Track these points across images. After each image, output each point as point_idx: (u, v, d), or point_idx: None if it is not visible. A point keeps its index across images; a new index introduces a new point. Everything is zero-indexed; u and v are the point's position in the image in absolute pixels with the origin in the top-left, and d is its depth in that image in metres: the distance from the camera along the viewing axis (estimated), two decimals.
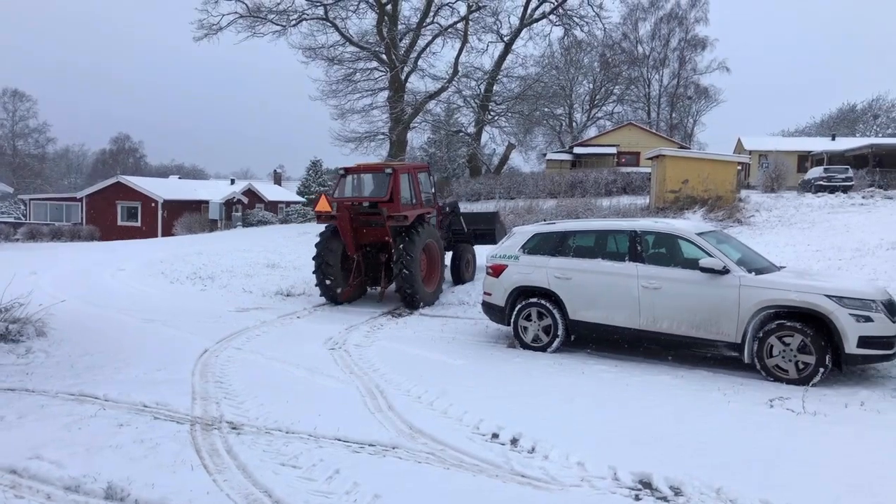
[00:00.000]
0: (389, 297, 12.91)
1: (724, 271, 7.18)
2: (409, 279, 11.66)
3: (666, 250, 7.96)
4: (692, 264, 7.44)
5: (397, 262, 11.73)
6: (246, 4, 33.28)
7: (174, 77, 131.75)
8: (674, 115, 62.17)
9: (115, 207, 40.45)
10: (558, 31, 39.81)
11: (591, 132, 54.12)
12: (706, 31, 59.97)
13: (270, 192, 51.93)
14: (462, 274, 14.31)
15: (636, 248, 7.87)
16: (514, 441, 5.12)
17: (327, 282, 12.33)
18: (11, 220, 42.72)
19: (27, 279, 13.94)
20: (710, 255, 7.32)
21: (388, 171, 12.45)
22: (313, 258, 12.52)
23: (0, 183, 38.02)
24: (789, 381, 6.64)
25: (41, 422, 5.21)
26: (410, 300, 11.86)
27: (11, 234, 34.97)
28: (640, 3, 56.76)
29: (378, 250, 13.12)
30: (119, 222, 40.20)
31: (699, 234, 7.69)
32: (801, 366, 6.65)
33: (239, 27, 33.66)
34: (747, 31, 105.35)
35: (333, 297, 12.42)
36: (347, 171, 12.99)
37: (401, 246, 11.75)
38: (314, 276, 12.57)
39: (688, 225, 8.29)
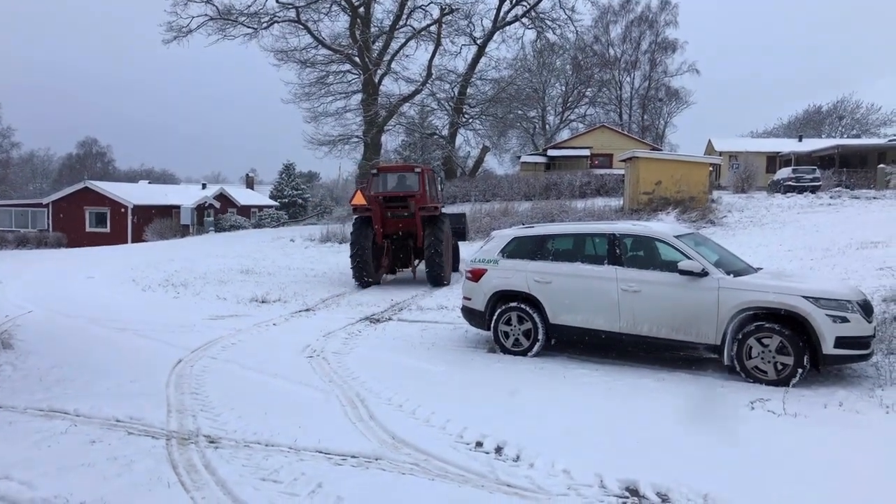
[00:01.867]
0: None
1: (703, 274, 7.22)
2: (440, 260, 14.34)
3: (644, 253, 7.98)
4: (671, 267, 7.47)
5: (429, 246, 14.29)
6: (216, 7, 32.89)
7: (143, 80, 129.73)
8: (645, 116, 62.86)
9: (83, 213, 39.61)
10: (531, 34, 39.81)
11: (565, 134, 54.46)
12: (676, 34, 60.72)
13: (243, 196, 51.33)
14: (455, 263, 16.60)
15: (615, 251, 7.87)
16: (498, 449, 5.07)
17: (363, 266, 14.47)
18: None
19: None
20: (689, 258, 7.35)
21: (418, 170, 15.20)
22: (351, 245, 14.59)
23: None
24: (768, 383, 6.68)
25: (9, 440, 5.02)
26: (438, 278, 14.50)
27: None
28: (611, 6, 57.38)
29: (404, 238, 15.21)
30: (87, 228, 39.37)
31: (677, 237, 7.72)
32: (779, 367, 6.70)
33: (209, 29, 33.27)
34: (716, 34, 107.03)
35: (366, 280, 14.66)
36: (380, 170, 15.41)
37: (431, 232, 14.39)
38: (350, 260, 14.63)
39: (666, 227, 8.32)
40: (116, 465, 4.59)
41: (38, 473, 4.40)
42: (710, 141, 45.52)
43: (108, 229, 39.26)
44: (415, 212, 14.54)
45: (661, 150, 45.37)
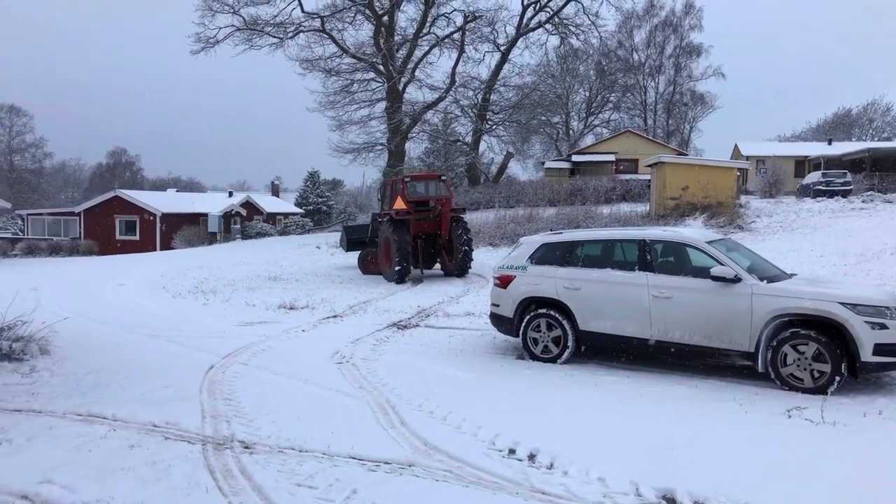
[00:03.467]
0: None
1: (736, 280, 7.12)
2: (469, 254, 17.03)
3: (675, 259, 7.90)
4: (703, 273, 7.39)
5: (462, 242, 16.82)
6: (243, 17, 33.37)
7: (170, 90, 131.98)
8: (670, 121, 62.39)
9: (113, 221, 40.35)
10: (554, 40, 39.84)
11: (589, 140, 54.25)
12: (701, 38, 60.20)
13: (268, 203, 51.84)
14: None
15: (646, 257, 7.81)
16: (531, 457, 5.04)
17: (406, 264, 16.39)
18: (9, 235, 42.57)
19: (28, 295, 13.86)
20: (721, 264, 7.27)
21: (443, 177, 18.13)
22: (395, 245, 16.19)
23: None
24: (805, 391, 6.56)
25: (50, 444, 5.12)
26: (466, 270, 17.08)
27: (9, 250, 34.84)
28: (634, 11, 57.02)
29: (429, 238, 17.45)
30: (117, 236, 40.10)
31: (709, 243, 7.64)
32: (816, 374, 6.58)
33: (236, 40, 33.78)
34: (741, 37, 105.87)
35: (405, 277, 16.59)
36: (413, 178, 17.80)
37: (462, 231, 16.89)
38: (395, 258, 16.28)
39: (697, 233, 8.24)
40: (155, 470, 4.65)
41: (79, 477, 4.48)
42: (736, 145, 45.01)
43: (137, 237, 39.94)
44: (442, 214, 17.04)
45: (686, 154, 44.95)
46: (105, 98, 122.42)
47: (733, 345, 7.13)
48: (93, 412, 5.95)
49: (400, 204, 16.56)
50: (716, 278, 7.20)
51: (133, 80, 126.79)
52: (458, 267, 17.05)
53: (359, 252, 19.59)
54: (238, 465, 4.82)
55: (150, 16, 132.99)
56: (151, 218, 39.90)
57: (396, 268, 16.42)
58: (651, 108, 62.01)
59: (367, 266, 19.02)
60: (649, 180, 27.27)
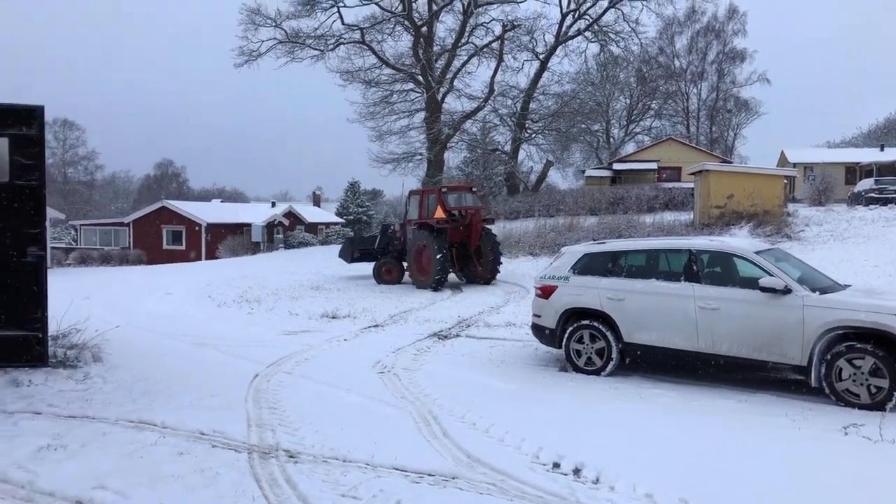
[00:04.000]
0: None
1: (786, 291, 6.93)
2: (498, 262, 18.17)
3: (722, 269, 7.73)
4: (751, 284, 7.21)
5: (494, 250, 17.96)
6: (285, 31, 34.06)
7: (214, 103, 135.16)
8: (714, 128, 61.25)
9: (160, 231, 41.43)
10: (594, 48, 39.69)
11: (630, 148, 53.66)
12: (745, 44, 59.17)
13: (310, 213, 52.60)
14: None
15: (692, 267, 7.66)
16: (576, 471, 4.97)
17: (446, 271, 17.16)
18: (63, 245, 44.05)
19: (82, 304, 14.29)
20: (770, 274, 7.08)
21: (475, 189, 19.33)
22: (436, 253, 16.82)
23: (52, 209, 39.29)
24: (861, 407, 6.33)
25: (103, 450, 5.24)
26: (494, 277, 18.15)
27: (63, 260, 36.04)
28: (676, 17, 56.24)
29: (460, 246, 18.05)
30: (164, 246, 41.13)
31: (757, 253, 7.46)
32: (873, 390, 6.34)
33: (278, 52, 34.49)
34: (787, 41, 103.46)
35: (443, 284, 17.37)
36: (449, 189, 18.68)
37: (491, 240, 18.00)
38: (436, 266, 16.88)
39: (745, 243, 8.06)
40: (203, 478, 4.73)
41: (131, 483, 4.57)
42: (782, 152, 43.89)
43: (183, 246, 40.90)
44: (473, 223, 17.76)
45: (731, 162, 44.04)
46: (153, 111, 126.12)
47: (784, 358, 6.93)
48: (143, 419, 6.08)
49: (440, 213, 17.16)
50: (765, 289, 7.02)
51: (179, 93, 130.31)
52: (489, 274, 17.99)
53: (372, 263, 19.99)
54: (283, 475, 4.86)
55: (196, 32, 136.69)
56: (197, 228, 40.84)
57: (437, 276, 16.95)
58: (693, 115, 61.03)
59: (382, 276, 19.38)
60: (693, 189, 26.79)
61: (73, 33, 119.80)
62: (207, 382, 7.69)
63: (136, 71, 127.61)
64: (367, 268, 20.42)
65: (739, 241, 8.52)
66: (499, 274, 18.48)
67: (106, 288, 19.61)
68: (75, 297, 13.90)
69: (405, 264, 19.08)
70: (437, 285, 17.13)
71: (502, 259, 18.82)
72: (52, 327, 8.24)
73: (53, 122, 73.15)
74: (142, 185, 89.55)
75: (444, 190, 18.19)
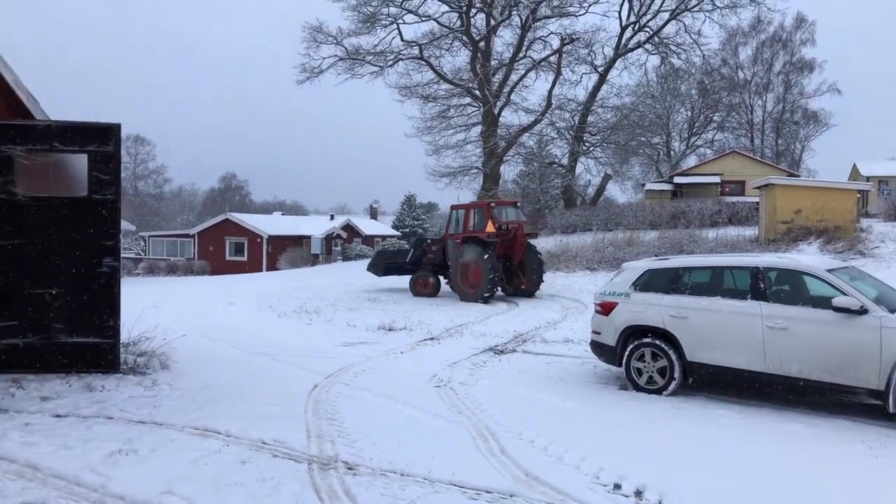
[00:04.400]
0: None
1: (862, 311, 6.61)
2: (542, 276, 18.69)
3: (791, 288, 7.45)
4: (823, 303, 6.91)
5: (536, 264, 18.42)
6: (345, 48, 34.85)
7: (276, 118, 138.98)
8: (780, 141, 59.29)
9: (223, 243, 42.73)
10: (654, 60, 38.98)
11: (691, 161, 52.42)
12: (813, 53, 57.08)
13: (367, 226, 53.36)
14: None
15: (759, 285, 7.40)
16: (638, 493, 4.84)
17: (498, 284, 17.64)
18: (133, 255, 45.93)
19: (150, 312, 14.83)
20: (844, 294, 6.77)
21: (518, 203, 20.25)
22: (486, 267, 17.23)
23: (124, 221, 41.08)
24: None
25: (171, 456, 5.41)
26: (537, 289, 18.60)
27: (133, 269, 37.58)
28: (740, 27, 54.81)
29: (504, 259, 18.39)
30: (227, 257, 42.38)
31: (829, 271, 7.14)
32: None
33: (339, 69, 35.28)
34: (858, 50, 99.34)
35: (492, 296, 17.79)
36: (497, 203, 19.43)
37: (535, 254, 18.51)
38: (489, 279, 17.25)
39: (816, 260, 7.73)
40: (265, 487, 4.81)
41: (196, 490, 4.70)
42: (854, 165, 42.13)
43: (245, 258, 42.07)
44: (517, 237, 18.28)
45: (798, 175, 42.51)
46: (218, 126, 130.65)
47: (859, 381, 6.60)
48: (208, 427, 6.25)
49: (491, 227, 17.58)
50: (838, 309, 6.71)
51: (243, 108, 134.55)
52: (534, 286, 18.51)
53: (401, 276, 20.97)
54: (342, 486, 4.90)
55: (259, 49, 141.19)
56: (259, 240, 41.96)
57: (487, 289, 17.38)
58: (758, 127, 59.25)
59: (418, 289, 19.74)
60: (758, 203, 25.97)
61: (141, 51, 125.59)
62: (268, 392, 7.86)
63: (202, 87, 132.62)
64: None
65: (810, 257, 8.19)
66: (541, 286, 18.89)
67: (172, 297, 20.32)
68: (144, 306, 14.46)
69: (441, 277, 19.68)
70: (487, 298, 17.49)
71: (560, 274, 19.42)
72: (124, 335, 8.59)
73: (126, 137, 76.50)
74: (206, 197, 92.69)
75: (493, 205, 18.60)
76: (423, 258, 19.95)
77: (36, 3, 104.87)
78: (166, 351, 9.24)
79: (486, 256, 17.29)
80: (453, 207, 20.06)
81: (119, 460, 5.27)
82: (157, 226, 69.55)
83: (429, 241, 20.79)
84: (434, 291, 19.49)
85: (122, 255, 8.38)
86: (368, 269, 22.03)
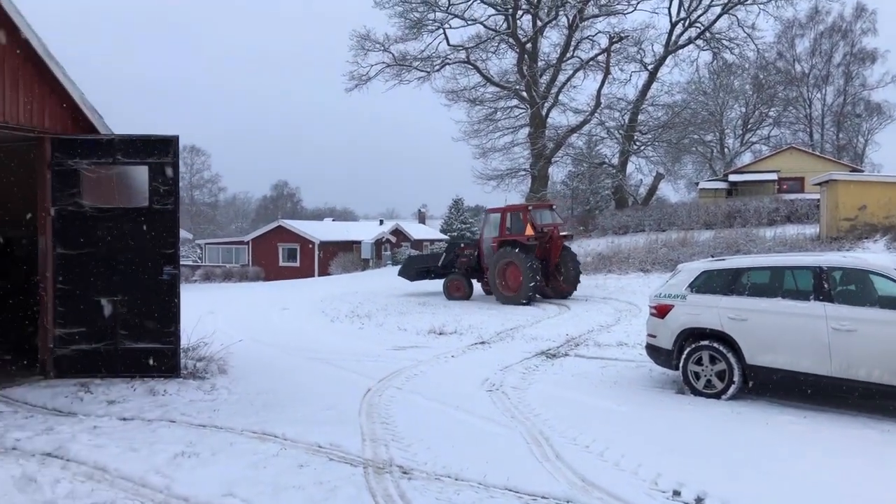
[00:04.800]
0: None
1: None
2: (579, 276, 18.74)
3: (858, 288, 7.15)
4: (894, 303, 6.61)
5: (574, 265, 18.50)
6: (392, 54, 35.13)
7: (326, 126, 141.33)
8: (841, 135, 57.06)
9: (276, 249, 43.65)
10: (706, 56, 38.09)
11: (746, 158, 50.98)
12: (875, 43, 54.73)
13: (415, 230, 53.71)
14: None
15: (822, 285, 7.12)
16: (699, 500, 4.73)
17: (538, 286, 17.71)
18: (190, 263, 47.37)
19: (207, 318, 15.25)
20: None
21: (553, 206, 20.67)
22: (526, 269, 17.36)
23: (182, 230, 42.30)
24: None
25: (231, 459, 5.55)
26: (575, 289, 18.71)
27: (190, 276, 38.74)
28: (796, 19, 53.04)
29: (541, 262, 18.19)
30: (280, 263, 43.28)
31: None
32: None
33: (386, 76, 35.58)
34: None
35: (533, 298, 17.84)
36: (535, 206, 19.61)
37: (571, 256, 18.65)
38: (530, 282, 17.34)
39: (885, 259, 7.39)
40: (322, 490, 4.88)
41: (256, 493, 4.80)
42: None
43: (297, 263, 42.87)
44: (553, 239, 18.34)
45: (862, 170, 40.82)
46: (271, 135, 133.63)
47: None
48: (266, 430, 6.38)
49: (531, 230, 17.87)
50: None
51: (294, 117, 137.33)
52: (572, 288, 18.71)
53: (432, 280, 21.27)
54: (398, 491, 4.93)
55: (310, 59, 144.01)
56: (311, 245, 42.71)
57: (529, 290, 17.49)
58: (817, 121, 57.15)
59: (451, 292, 19.90)
60: (818, 200, 25.05)
61: (196, 64, 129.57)
62: (323, 396, 7.97)
63: (255, 97, 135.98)
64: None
65: (877, 256, 7.85)
66: (578, 287, 19.03)
67: (228, 303, 20.85)
68: (201, 312, 14.86)
69: (474, 280, 19.95)
70: (529, 300, 17.65)
71: (612, 276, 19.40)
72: (183, 341, 8.85)
73: (183, 148, 78.98)
74: (259, 205, 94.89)
75: (530, 209, 18.79)
76: (456, 261, 20.17)
77: (95, 20, 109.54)
78: (224, 356, 9.48)
79: (526, 259, 17.45)
80: (488, 211, 20.37)
81: (182, 463, 5.43)
82: (213, 233, 71.50)
83: (462, 244, 21.13)
84: (467, 294, 19.71)
85: (181, 263, 8.65)
86: (400, 275, 22.38)
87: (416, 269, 21.57)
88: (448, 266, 20.38)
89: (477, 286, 20.02)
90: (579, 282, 18.84)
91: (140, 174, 8.35)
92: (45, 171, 8.25)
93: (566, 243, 18.98)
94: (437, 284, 21.14)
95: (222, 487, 4.86)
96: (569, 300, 18.25)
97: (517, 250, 17.71)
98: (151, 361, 8.35)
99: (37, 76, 7.98)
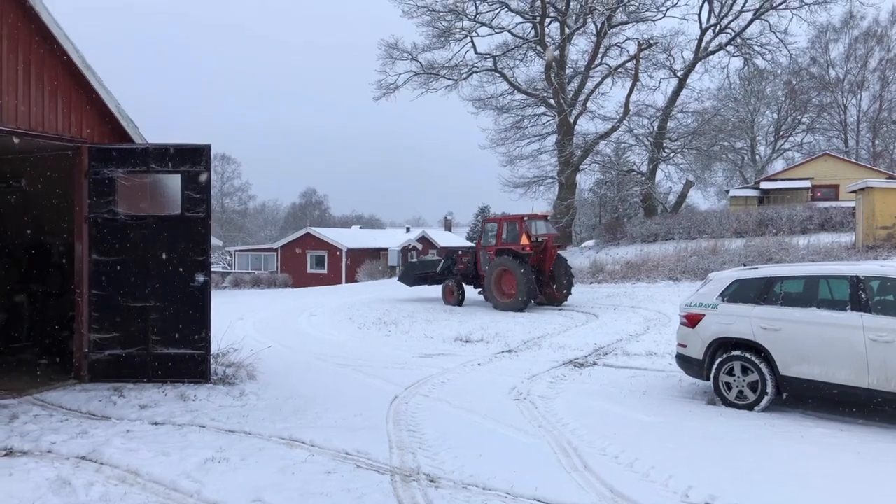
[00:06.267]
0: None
1: None
2: (571, 285, 19.38)
3: None
4: None
5: (567, 274, 19.14)
6: (420, 63, 35.32)
7: (353, 134, 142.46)
8: (877, 141, 55.77)
9: (305, 256, 44.06)
10: (737, 62, 37.51)
11: (778, 165, 50.11)
12: None
13: (442, 238, 53.74)
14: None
15: (859, 295, 6.96)
16: None
17: (535, 293, 18.19)
18: (220, 269, 48.02)
19: (237, 324, 15.44)
20: None
21: (548, 217, 21.57)
22: (522, 277, 17.84)
23: (213, 237, 42.84)
24: None
25: (260, 465, 5.59)
26: (567, 298, 19.27)
27: (220, 283, 39.22)
28: (830, 24, 52.03)
29: (535, 270, 18.72)
30: (308, 270, 43.65)
31: None
32: None
33: (414, 84, 35.77)
34: None
35: (528, 305, 18.34)
36: (529, 217, 19.70)
37: (565, 265, 19.29)
38: (523, 289, 17.86)
39: None
40: (350, 497, 4.89)
41: (284, 499, 4.83)
42: None
43: (325, 270, 43.20)
44: (548, 249, 18.97)
45: None
46: (298, 144, 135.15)
47: None
48: (294, 437, 6.42)
49: (526, 240, 18.45)
50: None
51: (322, 126, 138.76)
52: (564, 296, 19.23)
53: (431, 285, 21.91)
54: (425, 499, 4.92)
55: (336, 68, 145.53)
56: (338, 253, 43.01)
57: (524, 297, 18.03)
58: (852, 127, 55.95)
59: (446, 297, 20.60)
60: (853, 208, 24.50)
61: (226, 75, 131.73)
62: (350, 403, 8.00)
63: (284, 106, 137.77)
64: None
65: None
66: (570, 296, 19.56)
67: (257, 310, 21.06)
68: (231, 318, 15.06)
69: (471, 286, 20.64)
70: (524, 306, 18.26)
71: (641, 284, 19.63)
72: (213, 347, 8.95)
73: (214, 156, 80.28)
74: (288, 212, 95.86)
75: (526, 219, 19.35)
76: (454, 268, 20.91)
77: (129, 25, 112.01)
78: (253, 362, 9.57)
79: (521, 268, 18.01)
80: (486, 220, 21.33)
81: (212, 468, 5.49)
82: (242, 240, 72.45)
83: (460, 252, 21.73)
84: (460, 300, 20.32)
85: (211, 270, 8.77)
86: (399, 280, 23.21)
87: (414, 275, 22.29)
88: (445, 273, 21.10)
89: (473, 292, 20.75)
90: (571, 290, 19.46)
91: (173, 182, 8.51)
92: (82, 180, 8.44)
93: (559, 252, 19.64)
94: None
95: (251, 493, 4.90)
96: (596, 309, 18.08)
97: (513, 259, 18.31)
98: (182, 367, 8.47)
99: (75, 86, 8.19)
